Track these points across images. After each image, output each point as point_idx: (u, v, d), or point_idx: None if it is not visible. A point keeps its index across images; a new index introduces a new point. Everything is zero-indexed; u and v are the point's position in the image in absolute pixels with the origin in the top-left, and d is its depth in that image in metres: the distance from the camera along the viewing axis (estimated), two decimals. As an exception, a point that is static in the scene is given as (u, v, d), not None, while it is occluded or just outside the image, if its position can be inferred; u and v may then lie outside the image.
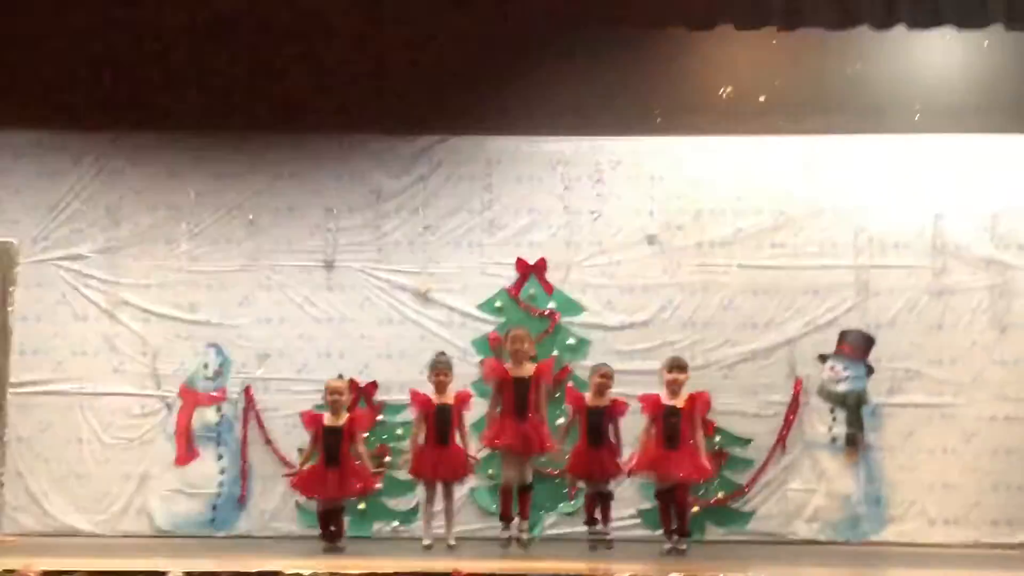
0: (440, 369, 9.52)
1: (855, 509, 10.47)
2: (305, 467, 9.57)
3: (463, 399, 9.51)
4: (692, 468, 9.26)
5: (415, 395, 9.57)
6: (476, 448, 9.65)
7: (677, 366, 9.43)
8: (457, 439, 9.45)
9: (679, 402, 9.32)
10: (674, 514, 9.32)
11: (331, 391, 9.58)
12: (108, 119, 10.67)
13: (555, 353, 10.48)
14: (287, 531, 10.45)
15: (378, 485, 9.81)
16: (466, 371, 10.41)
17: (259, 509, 10.53)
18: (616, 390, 9.93)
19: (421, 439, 9.50)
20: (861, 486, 10.48)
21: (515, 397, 9.19)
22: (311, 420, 9.57)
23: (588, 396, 9.48)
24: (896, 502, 10.45)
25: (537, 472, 9.84)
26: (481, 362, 10.04)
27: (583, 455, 9.39)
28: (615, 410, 9.40)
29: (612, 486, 9.63)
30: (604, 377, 9.50)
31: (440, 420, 9.43)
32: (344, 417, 9.46)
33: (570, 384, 10.04)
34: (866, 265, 10.66)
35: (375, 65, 10.48)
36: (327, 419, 9.46)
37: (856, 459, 10.50)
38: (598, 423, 9.35)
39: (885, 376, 10.57)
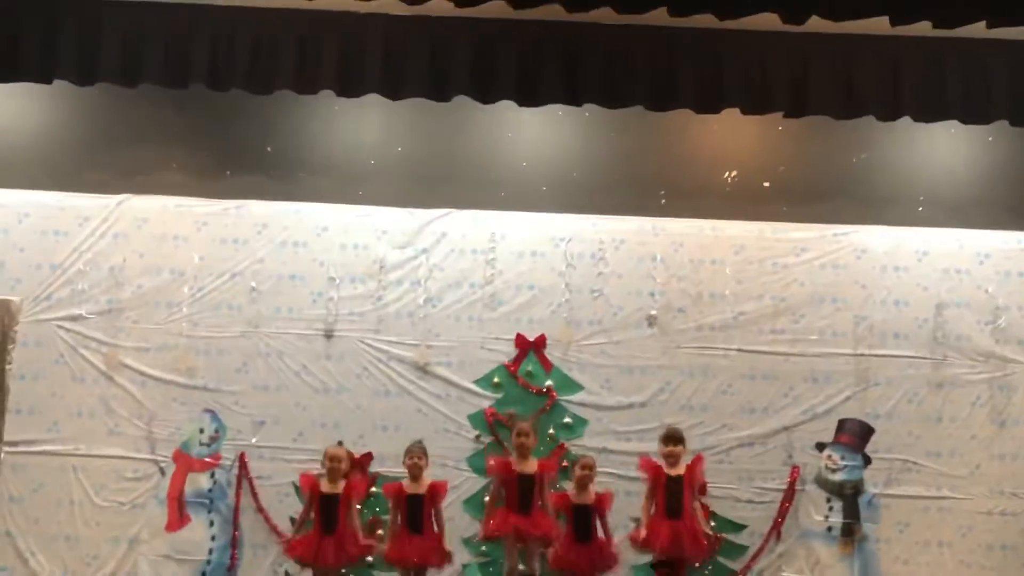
0: (412, 454, 9.47)
1: None
2: (298, 535, 9.54)
3: (438, 490, 9.44)
4: (694, 543, 9.26)
5: (387, 487, 9.59)
6: (473, 523, 9.84)
7: (673, 438, 9.37)
8: (434, 528, 9.40)
9: (679, 471, 9.30)
10: None
11: (330, 458, 9.53)
12: (114, 182, 10.81)
13: (551, 431, 10.46)
14: None
15: (375, 548, 9.69)
16: (462, 445, 10.49)
17: None
18: (611, 472, 10.11)
19: (397, 528, 9.48)
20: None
21: (519, 493, 9.22)
22: (309, 484, 9.52)
23: (572, 493, 9.40)
24: None
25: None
26: (487, 461, 10.03)
27: (571, 552, 9.31)
28: (602, 504, 9.35)
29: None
30: (586, 468, 9.41)
31: (412, 509, 9.42)
32: (342, 485, 9.42)
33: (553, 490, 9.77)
34: (866, 354, 10.63)
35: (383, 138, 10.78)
36: (324, 486, 9.41)
37: (851, 550, 10.45)
38: (585, 520, 9.32)
39: (883, 467, 10.54)
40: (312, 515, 9.48)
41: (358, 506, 9.79)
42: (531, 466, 9.23)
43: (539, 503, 9.18)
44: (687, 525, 9.17)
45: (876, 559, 10.39)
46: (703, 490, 10.01)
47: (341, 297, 10.72)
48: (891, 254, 10.77)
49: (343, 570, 9.56)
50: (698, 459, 9.39)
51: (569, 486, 9.52)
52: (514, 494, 9.18)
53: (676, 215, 10.77)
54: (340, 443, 9.87)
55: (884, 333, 10.65)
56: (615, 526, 9.72)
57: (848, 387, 10.60)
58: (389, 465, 10.26)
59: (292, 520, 10.11)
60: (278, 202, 10.82)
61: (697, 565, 9.96)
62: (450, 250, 10.82)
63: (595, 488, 9.44)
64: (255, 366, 10.65)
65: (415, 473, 9.41)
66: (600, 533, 9.36)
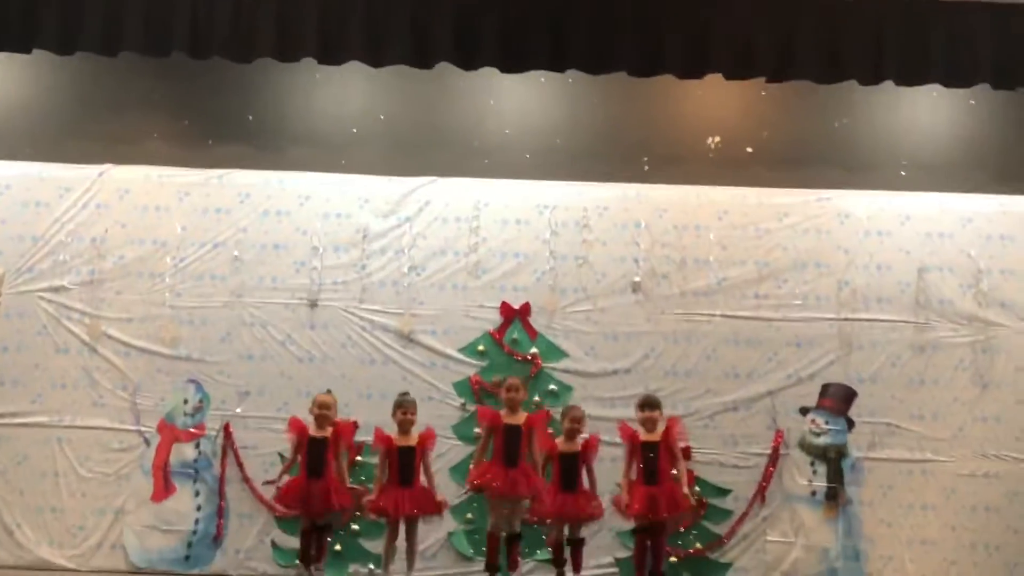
0: (405, 408, 9.43)
1: (833, 563, 10.47)
2: (283, 480, 9.53)
3: (427, 439, 9.42)
4: (673, 507, 9.21)
5: (378, 434, 9.45)
6: (460, 491, 9.86)
7: (649, 404, 9.36)
8: (423, 480, 9.39)
9: (655, 437, 9.27)
10: (650, 555, 9.22)
11: (319, 405, 9.48)
12: (96, 152, 10.80)
13: (536, 398, 10.50)
14: (263, 571, 10.39)
15: (363, 494, 9.61)
16: (447, 413, 10.55)
17: (235, 548, 10.41)
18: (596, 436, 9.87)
19: (384, 479, 9.42)
20: (839, 540, 10.47)
21: (505, 444, 9.19)
22: (297, 427, 9.46)
23: (560, 440, 9.43)
24: (875, 557, 10.45)
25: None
26: (475, 409, 10.12)
27: (557, 500, 9.32)
28: (587, 452, 9.33)
29: (585, 532, 9.59)
30: (575, 421, 9.45)
31: (403, 461, 9.36)
32: (330, 431, 9.39)
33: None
34: (849, 319, 10.69)
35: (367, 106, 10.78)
36: (312, 430, 9.39)
37: (835, 513, 10.51)
38: (571, 468, 9.32)
39: (866, 430, 10.61)
40: (299, 460, 9.44)
41: (345, 450, 9.78)
42: (519, 418, 9.25)
43: (526, 456, 9.16)
44: (665, 489, 9.16)
45: (860, 522, 10.46)
46: (687, 454, 10.01)
47: (325, 266, 10.75)
48: (874, 218, 10.80)
49: (329, 518, 9.52)
50: (672, 422, 9.33)
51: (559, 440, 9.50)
52: (500, 444, 9.18)
53: (660, 181, 10.80)
54: (329, 391, 9.80)
55: (867, 297, 10.70)
56: (601, 491, 9.64)
57: (831, 351, 10.67)
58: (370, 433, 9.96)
59: (281, 457, 10.17)
60: (260, 171, 10.82)
61: (681, 529, 10.08)
62: (434, 218, 10.84)
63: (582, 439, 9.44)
64: (239, 336, 10.69)
65: (405, 427, 9.39)
66: (586, 484, 9.36)
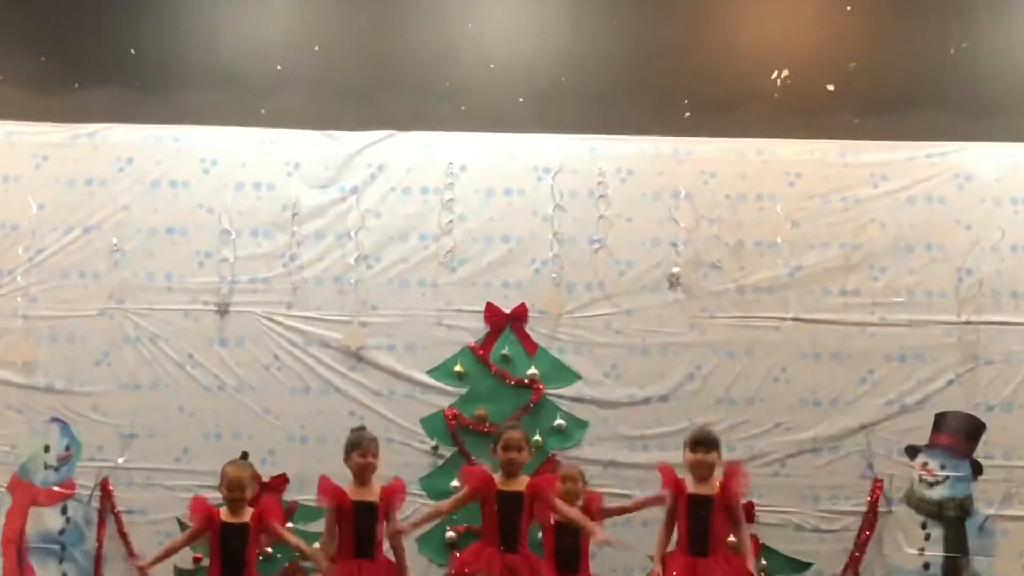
0: (363, 448, 9.21)
1: None
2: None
3: (393, 493, 9.23)
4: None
5: (325, 485, 9.22)
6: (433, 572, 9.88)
7: (703, 443, 9.15)
8: (386, 550, 9.23)
9: (708, 490, 9.08)
10: None
11: (229, 481, 9.16)
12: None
13: (537, 437, 10.33)
14: None
15: None
16: (414, 460, 10.38)
17: None
18: (622, 493, 10.08)
19: (334, 548, 9.22)
20: None
21: (501, 519, 8.96)
22: (202, 511, 9.24)
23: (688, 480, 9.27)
24: None
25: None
26: (461, 468, 9.80)
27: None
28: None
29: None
30: (568, 481, 9.40)
31: (361, 524, 9.13)
32: (248, 513, 9.15)
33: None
34: (973, 322, 10.56)
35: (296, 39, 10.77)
36: (224, 514, 9.17)
37: None
38: (572, 545, 9.27)
39: (998, 477, 10.45)
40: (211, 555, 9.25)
41: (268, 549, 9.94)
42: (519, 484, 9.06)
43: (525, 534, 9.02)
44: (720, 565, 9.00)
45: None
46: (748, 514, 9.87)
47: (239, 258, 10.64)
48: (1006, 181, 10.71)
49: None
50: (733, 472, 9.16)
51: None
52: (493, 519, 8.99)
53: (706, 134, 10.74)
54: (244, 455, 9.49)
55: (998, 292, 10.61)
56: (631, 568, 9.84)
57: (950, 367, 10.54)
58: (310, 492, 9.88)
59: (179, 571, 10.19)
60: (147, 126, 10.77)
61: None
62: (390, 189, 10.72)
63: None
64: (120, 357, 10.56)
65: (363, 476, 9.19)
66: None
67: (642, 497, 9.61)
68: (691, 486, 9.11)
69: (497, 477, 9.11)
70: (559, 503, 9.09)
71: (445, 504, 9.36)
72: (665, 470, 9.29)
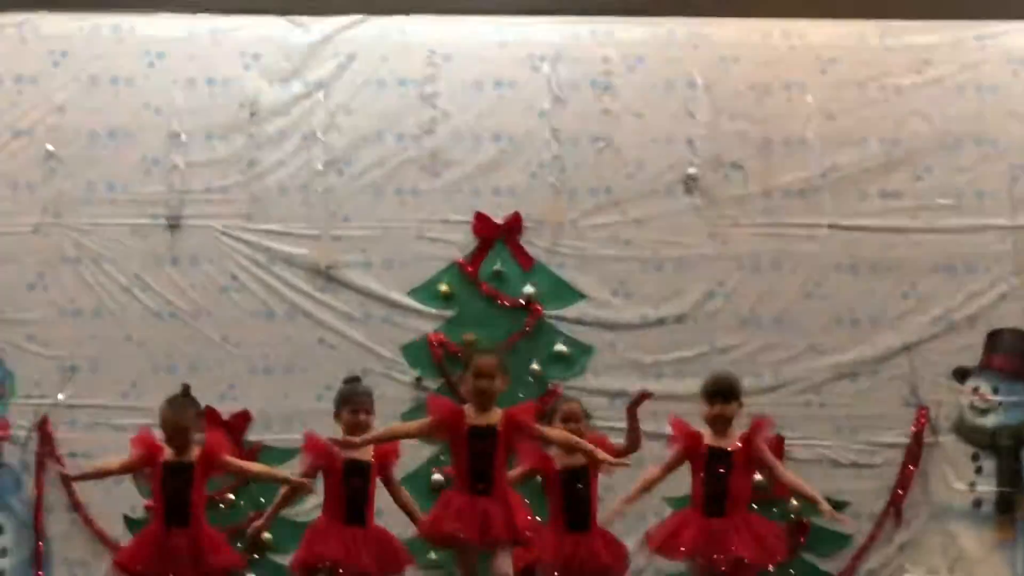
0: (356, 403, 8.85)
1: None
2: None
3: (387, 455, 8.83)
4: (755, 546, 8.58)
5: (312, 442, 8.82)
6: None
7: (721, 391, 8.78)
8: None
9: (728, 444, 8.72)
10: None
11: (168, 427, 8.75)
12: None
13: (535, 366, 10.10)
14: None
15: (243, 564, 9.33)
16: (394, 393, 10.04)
17: None
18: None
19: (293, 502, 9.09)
20: None
21: (470, 458, 8.45)
22: (144, 445, 8.87)
23: (556, 453, 8.88)
24: None
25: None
26: (427, 397, 9.47)
27: (560, 544, 8.72)
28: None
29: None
30: (571, 420, 8.84)
31: (352, 485, 8.73)
32: (195, 452, 8.77)
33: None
34: None
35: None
36: (169, 454, 8.78)
37: (1012, 534, 10.09)
38: (579, 494, 8.77)
39: None
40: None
41: (231, 495, 9.73)
42: (493, 417, 8.56)
43: (503, 476, 8.61)
44: (738, 528, 8.63)
45: None
46: (778, 449, 9.52)
47: (191, 164, 10.37)
48: None
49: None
50: (758, 427, 8.77)
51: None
52: (464, 459, 8.51)
53: (724, 13, 10.45)
54: (185, 390, 9.03)
55: None
56: (643, 513, 9.39)
57: (1003, 278, 10.26)
58: (277, 430, 9.99)
59: (129, 520, 9.83)
60: (84, 14, 10.46)
61: (771, 567, 9.26)
62: (362, 82, 10.44)
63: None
64: (58, 279, 10.30)
65: (355, 435, 8.86)
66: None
67: (659, 468, 8.90)
68: (709, 438, 8.83)
69: (468, 411, 8.70)
70: (547, 430, 8.74)
71: (400, 428, 9.08)
72: (679, 424, 8.99)
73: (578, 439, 8.73)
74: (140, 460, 8.88)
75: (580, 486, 8.78)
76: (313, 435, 8.96)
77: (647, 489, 8.82)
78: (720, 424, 8.75)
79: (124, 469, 9.01)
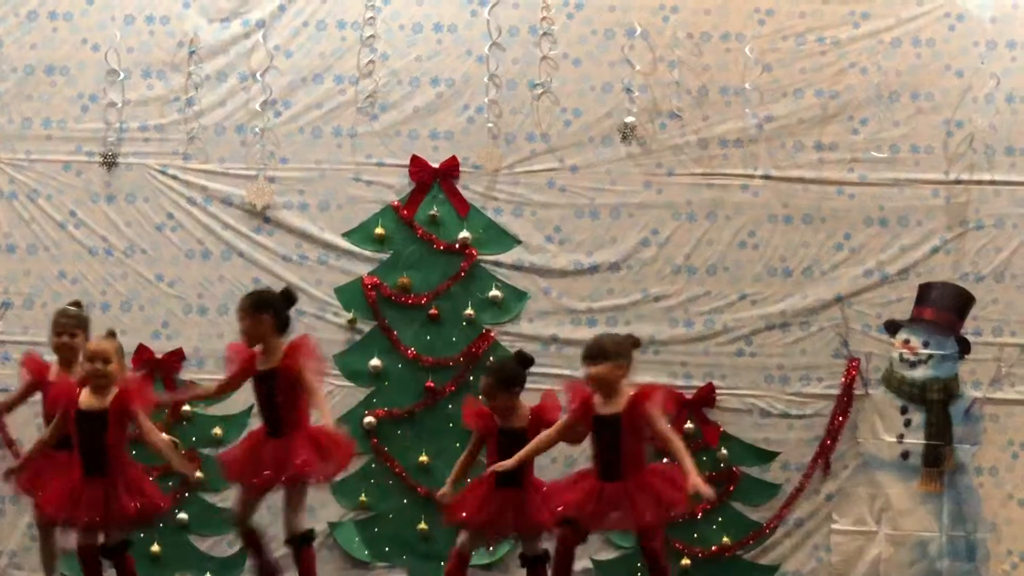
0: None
1: (934, 562, 10.14)
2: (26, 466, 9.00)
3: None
4: (652, 504, 8.49)
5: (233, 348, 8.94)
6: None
7: (588, 353, 8.72)
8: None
9: (615, 408, 8.65)
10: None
11: (92, 355, 8.72)
12: None
13: (469, 311, 10.13)
14: None
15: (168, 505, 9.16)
16: (328, 336, 10.09)
17: None
18: (564, 372, 9.76)
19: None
20: (945, 528, 10.13)
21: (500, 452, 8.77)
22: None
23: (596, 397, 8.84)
24: (999, 553, 10.14)
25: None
26: (462, 402, 9.51)
27: (490, 499, 8.88)
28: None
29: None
30: (486, 395, 8.99)
31: (264, 395, 8.79)
32: (111, 397, 8.67)
33: (471, 398, 9.29)
34: (964, 181, 10.24)
35: None
36: (85, 398, 8.71)
37: (940, 486, 10.14)
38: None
39: (987, 356, 10.21)
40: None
41: (164, 435, 9.29)
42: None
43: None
44: (630, 490, 8.57)
45: (976, 499, 10.14)
46: (708, 398, 9.89)
47: (129, 102, 10.35)
48: (1003, 22, 10.32)
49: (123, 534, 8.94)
50: (644, 395, 8.65)
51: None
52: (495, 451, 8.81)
53: None
54: (111, 333, 8.97)
55: (992, 148, 10.27)
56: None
57: (936, 232, 10.25)
58: (211, 368, 10.01)
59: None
60: None
61: (698, 515, 9.75)
62: (302, 23, 10.40)
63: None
64: None
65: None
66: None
67: (552, 431, 8.77)
68: (597, 403, 8.80)
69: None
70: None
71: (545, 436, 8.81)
72: (571, 388, 8.96)
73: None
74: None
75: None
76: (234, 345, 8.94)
77: (539, 451, 8.79)
78: (601, 387, 8.73)
79: (13, 402, 9.09)
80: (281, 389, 8.69)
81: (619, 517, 8.67)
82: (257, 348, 8.91)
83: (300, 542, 8.73)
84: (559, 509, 8.73)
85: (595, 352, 8.68)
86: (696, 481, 8.33)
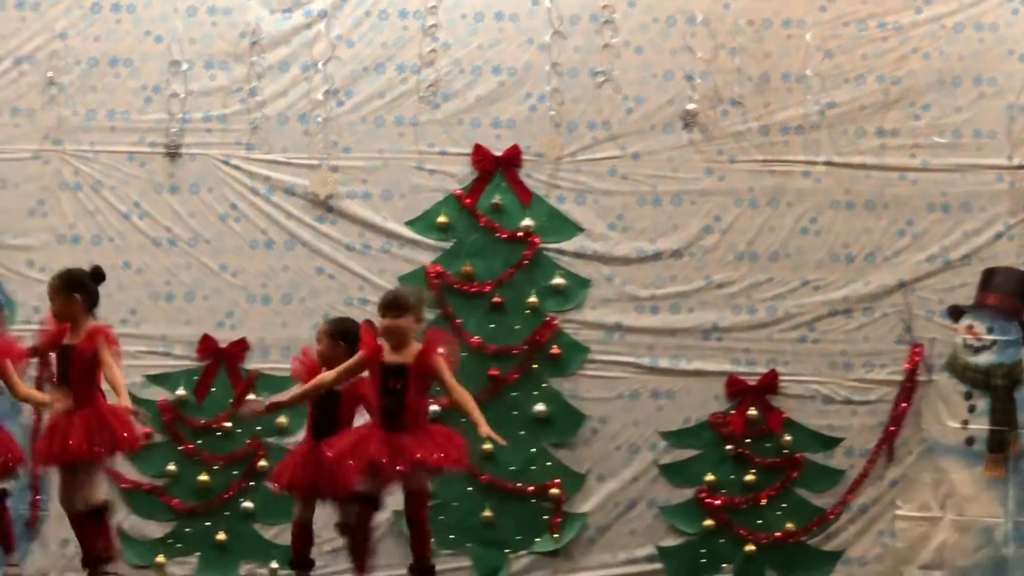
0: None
1: (1000, 549, 10.08)
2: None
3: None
4: (434, 449, 8.48)
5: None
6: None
7: (391, 305, 8.65)
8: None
9: (405, 358, 8.59)
10: (413, 542, 8.74)
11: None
12: None
13: (532, 298, 10.13)
14: None
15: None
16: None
17: (60, 538, 10.03)
18: (630, 362, 9.89)
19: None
20: (1011, 514, 10.07)
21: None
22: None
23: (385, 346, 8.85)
24: None
25: (501, 487, 9.79)
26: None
27: (307, 463, 8.82)
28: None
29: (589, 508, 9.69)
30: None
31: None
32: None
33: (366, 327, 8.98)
34: None
35: None
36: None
37: (1005, 472, 10.08)
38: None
39: None
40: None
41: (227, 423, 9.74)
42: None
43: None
44: (418, 439, 8.49)
45: None
46: (771, 385, 9.85)
47: (192, 92, 10.37)
48: None
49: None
50: (432, 339, 8.65)
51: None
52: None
53: None
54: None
55: None
56: (638, 446, 9.72)
57: (999, 217, 10.18)
58: (275, 358, 10.05)
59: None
60: None
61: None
62: (364, 13, 10.43)
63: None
64: (58, 205, 10.32)
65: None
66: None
67: (334, 372, 8.79)
68: (387, 353, 8.73)
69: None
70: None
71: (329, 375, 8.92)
72: (365, 331, 8.98)
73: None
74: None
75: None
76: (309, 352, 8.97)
77: (319, 390, 8.71)
78: (394, 338, 8.65)
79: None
80: (79, 363, 8.74)
81: (403, 467, 8.46)
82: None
83: (94, 515, 8.81)
84: (363, 463, 8.58)
85: (398, 304, 8.61)
86: (486, 429, 8.34)
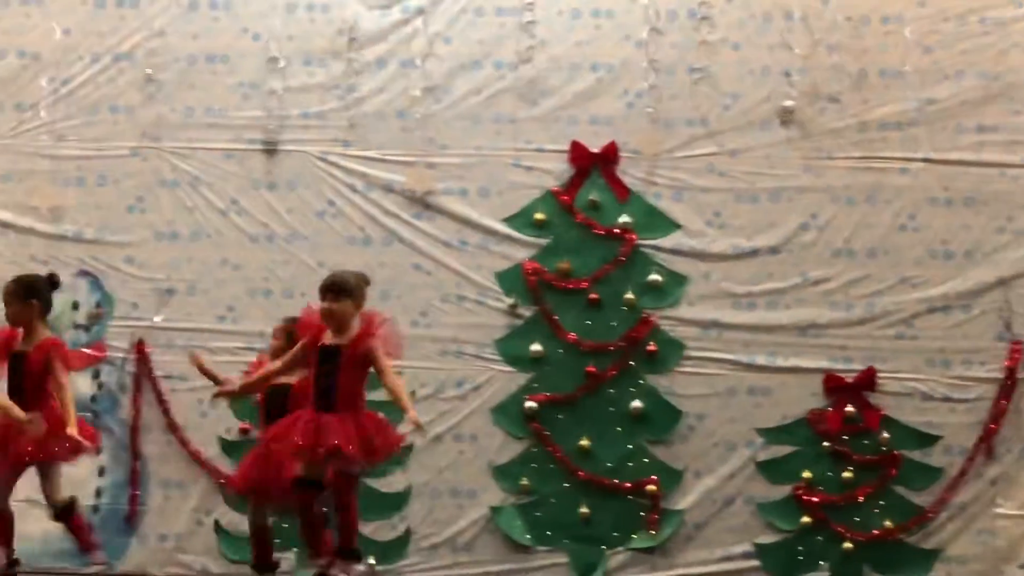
0: None
1: None
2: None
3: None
4: (355, 439, 8.31)
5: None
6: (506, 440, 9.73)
7: (330, 288, 8.53)
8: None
9: (341, 340, 8.48)
10: (336, 525, 8.59)
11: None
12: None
13: (629, 295, 10.10)
14: (203, 567, 10.13)
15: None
16: (488, 320, 10.11)
17: (158, 533, 10.10)
18: (727, 358, 9.91)
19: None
20: None
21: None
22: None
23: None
24: None
25: (598, 484, 9.71)
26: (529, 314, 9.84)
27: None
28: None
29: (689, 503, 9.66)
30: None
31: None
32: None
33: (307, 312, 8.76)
34: None
35: None
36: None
37: None
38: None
39: None
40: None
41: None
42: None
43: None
44: (344, 421, 8.33)
45: None
46: (868, 382, 9.76)
47: (289, 89, 10.39)
48: None
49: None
50: (368, 321, 8.48)
51: None
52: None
53: None
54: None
55: None
56: (733, 443, 9.70)
57: None
58: None
59: (224, 442, 9.96)
60: None
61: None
62: (460, 10, 10.46)
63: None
64: (156, 202, 10.35)
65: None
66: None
67: (280, 361, 8.65)
68: (327, 336, 8.61)
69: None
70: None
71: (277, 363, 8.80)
72: (306, 317, 8.77)
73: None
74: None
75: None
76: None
77: (267, 380, 8.63)
78: (332, 321, 8.56)
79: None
80: (30, 372, 8.69)
81: (324, 448, 8.33)
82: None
83: (64, 511, 8.82)
84: (296, 442, 8.40)
85: (340, 288, 8.53)
86: (414, 415, 8.21)
